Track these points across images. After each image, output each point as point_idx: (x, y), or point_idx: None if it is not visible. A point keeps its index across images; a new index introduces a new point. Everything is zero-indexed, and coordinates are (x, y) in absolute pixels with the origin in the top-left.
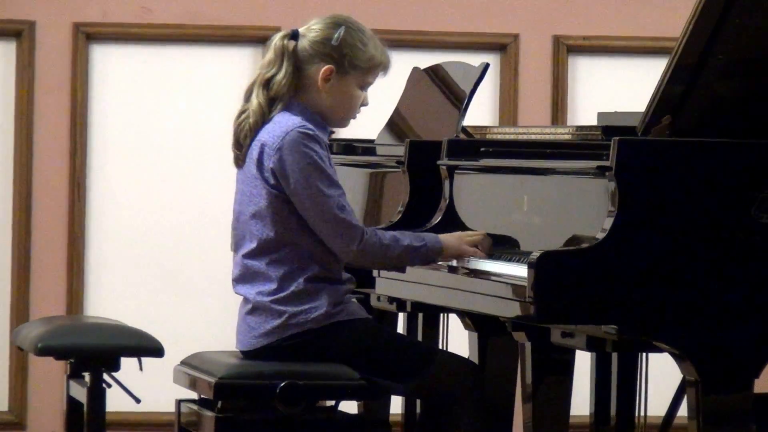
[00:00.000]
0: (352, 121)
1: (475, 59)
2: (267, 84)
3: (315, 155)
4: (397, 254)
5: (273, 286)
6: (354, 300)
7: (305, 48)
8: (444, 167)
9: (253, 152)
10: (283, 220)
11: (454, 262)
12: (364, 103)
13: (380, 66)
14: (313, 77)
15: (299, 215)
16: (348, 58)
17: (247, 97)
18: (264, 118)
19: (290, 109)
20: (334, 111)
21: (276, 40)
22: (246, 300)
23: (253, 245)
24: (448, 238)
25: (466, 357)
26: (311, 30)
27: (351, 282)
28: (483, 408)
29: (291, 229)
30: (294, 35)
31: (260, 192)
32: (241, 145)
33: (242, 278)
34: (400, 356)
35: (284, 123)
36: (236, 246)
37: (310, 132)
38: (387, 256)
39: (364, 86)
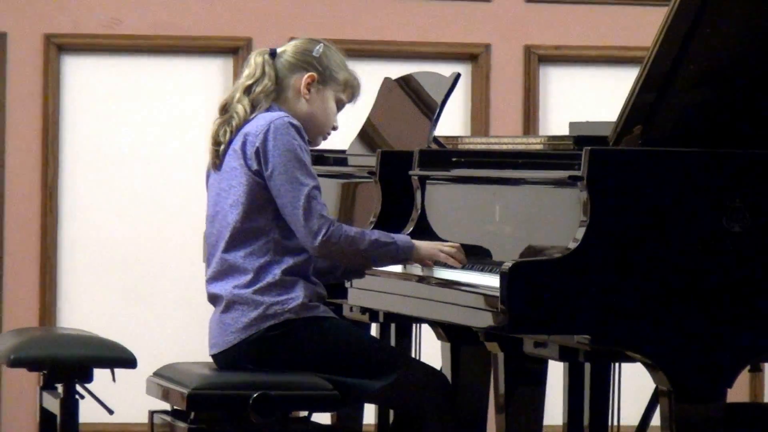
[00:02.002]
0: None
1: (447, 69)
2: (248, 90)
3: (296, 143)
4: (364, 248)
5: (249, 277)
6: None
7: (288, 60)
8: (416, 177)
9: (236, 144)
10: (259, 208)
11: (422, 270)
12: (335, 126)
13: (354, 87)
14: (295, 85)
15: (275, 205)
16: (329, 69)
17: (224, 110)
18: (247, 119)
19: (272, 110)
20: (312, 121)
21: (254, 56)
22: (219, 299)
23: (229, 234)
24: (422, 242)
25: (438, 369)
26: (290, 46)
27: (321, 287)
28: (452, 420)
29: (267, 218)
30: (272, 53)
31: (240, 181)
32: (219, 143)
33: (217, 275)
34: (374, 354)
35: (268, 116)
36: (212, 249)
37: (295, 123)
38: (353, 248)
39: (338, 104)
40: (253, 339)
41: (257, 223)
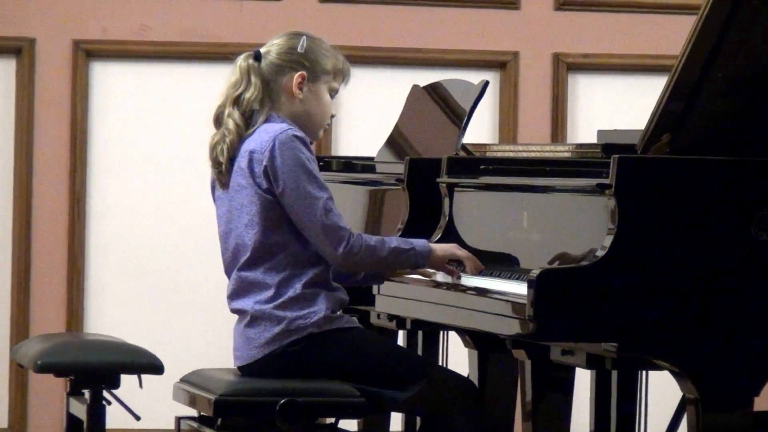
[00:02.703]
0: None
1: (475, 77)
2: (237, 102)
3: (304, 157)
4: (384, 255)
5: (270, 293)
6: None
7: (273, 62)
8: (444, 185)
9: (242, 162)
10: (275, 225)
11: (443, 278)
12: (333, 113)
13: (344, 71)
14: (286, 87)
15: (290, 219)
16: (317, 63)
17: (218, 122)
18: (242, 134)
19: (272, 120)
20: (310, 118)
21: (239, 61)
22: (243, 313)
23: (248, 255)
24: (438, 244)
25: (465, 375)
26: (273, 45)
27: (343, 292)
28: (480, 428)
29: (284, 233)
30: (257, 56)
31: (252, 200)
32: (219, 164)
33: (238, 292)
34: (399, 364)
35: (271, 129)
36: (229, 265)
37: (299, 135)
38: (374, 257)
39: (332, 93)
40: (276, 354)
41: (275, 240)
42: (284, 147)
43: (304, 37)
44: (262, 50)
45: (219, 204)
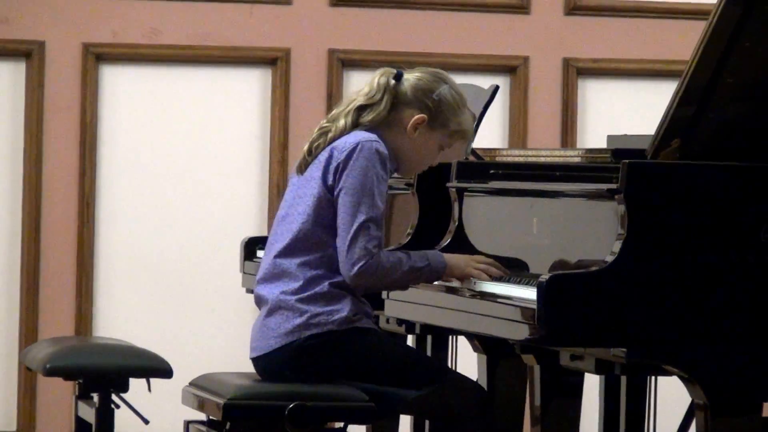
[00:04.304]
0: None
1: (485, 81)
2: (361, 110)
3: (374, 170)
4: (397, 277)
5: (298, 284)
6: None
7: (406, 91)
8: (453, 189)
9: (322, 156)
10: (322, 220)
11: (458, 283)
12: (433, 163)
13: (465, 133)
14: (404, 121)
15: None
16: (443, 115)
17: (334, 118)
18: (342, 135)
19: (368, 131)
20: (408, 157)
21: (379, 76)
22: (265, 302)
23: (288, 240)
24: (454, 259)
25: (475, 380)
26: (414, 77)
27: (368, 306)
28: (490, 431)
29: (326, 232)
30: (398, 76)
31: (312, 192)
32: (311, 153)
33: (268, 277)
34: (413, 366)
35: (359, 135)
36: (269, 248)
37: (383, 150)
38: (387, 280)
39: (442, 147)
40: (294, 346)
41: (318, 237)
42: (362, 154)
43: (447, 87)
44: (405, 74)
45: (289, 189)
